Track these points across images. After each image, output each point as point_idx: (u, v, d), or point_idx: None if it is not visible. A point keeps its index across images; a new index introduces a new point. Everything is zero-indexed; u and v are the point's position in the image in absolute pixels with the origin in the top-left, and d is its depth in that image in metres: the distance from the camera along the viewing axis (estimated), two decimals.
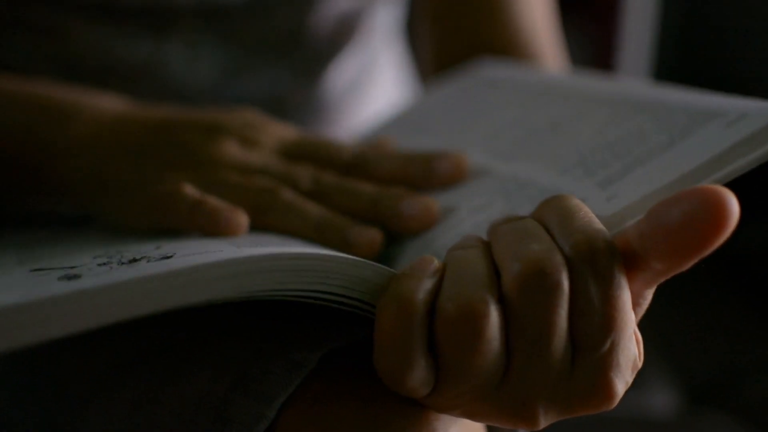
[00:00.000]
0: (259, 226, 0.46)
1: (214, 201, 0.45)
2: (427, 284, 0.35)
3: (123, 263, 0.38)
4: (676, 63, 1.68)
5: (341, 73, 0.73)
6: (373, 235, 0.45)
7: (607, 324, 0.35)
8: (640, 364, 0.37)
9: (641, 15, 1.58)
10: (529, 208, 0.43)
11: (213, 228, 0.44)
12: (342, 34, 0.71)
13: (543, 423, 0.37)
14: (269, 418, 0.38)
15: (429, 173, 0.50)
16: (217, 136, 0.50)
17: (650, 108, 0.46)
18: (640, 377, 0.40)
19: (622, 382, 0.36)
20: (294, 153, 0.51)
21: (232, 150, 0.50)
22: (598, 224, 0.36)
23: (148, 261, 0.37)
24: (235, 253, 0.36)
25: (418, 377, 0.35)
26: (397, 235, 0.47)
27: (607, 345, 0.35)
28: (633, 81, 0.53)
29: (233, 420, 0.39)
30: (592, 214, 0.37)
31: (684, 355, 1.25)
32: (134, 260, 0.38)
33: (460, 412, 0.37)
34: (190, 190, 0.46)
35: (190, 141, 0.50)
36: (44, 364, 0.50)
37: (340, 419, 0.38)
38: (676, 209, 0.34)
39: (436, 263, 0.37)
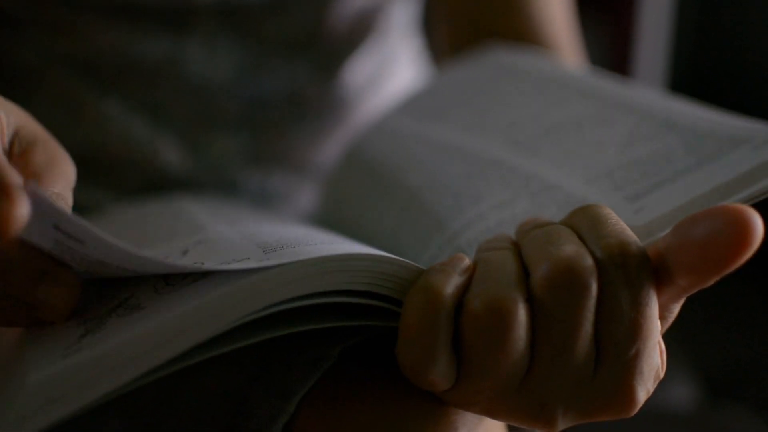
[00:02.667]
0: None
1: None
2: (457, 280, 0.36)
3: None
4: (692, 57, 1.67)
5: (359, 69, 0.73)
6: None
7: (634, 331, 0.35)
8: (662, 375, 0.37)
9: (658, 10, 1.58)
10: (554, 210, 0.43)
11: None
12: (359, 31, 0.71)
13: (560, 426, 0.37)
14: (288, 412, 0.39)
15: None
16: None
17: (676, 128, 0.46)
18: None
19: (643, 390, 0.36)
20: None
21: None
22: (631, 232, 0.36)
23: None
24: (264, 262, 0.35)
25: (440, 370, 0.35)
26: (413, 236, 0.47)
27: (632, 352, 0.35)
28: (650, 90, 0.53)
29: (253, 414, 0.40)
30: (624, 223, 0.37)
31: (703, 348, 1.24)
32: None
33: (479, 409, 0.37)
34: None
35: None
36: None
37: (360, 414, 0.38)
38: (701, 226, 0.34)
39: (467, 262, 0.37)
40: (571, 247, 0.35)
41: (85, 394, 0.33)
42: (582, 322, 0.34)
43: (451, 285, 0.35)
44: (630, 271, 0.35)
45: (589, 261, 0.34)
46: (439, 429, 0.38)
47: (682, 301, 0.38)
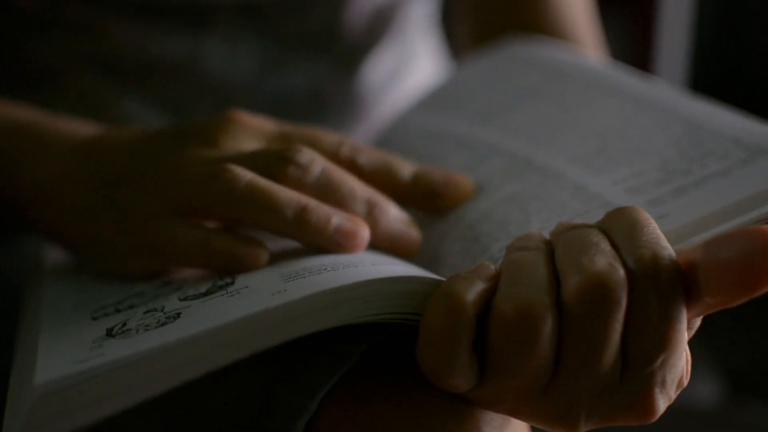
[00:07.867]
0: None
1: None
2: (480, 287, 0.36)
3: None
4: (713, 53, 1.66)
5: (378, 66, 0.73)
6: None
7: (662, 342, 0.35)
8: (685, 383, 0.37)
9: (678, 7, 1.57)
10: (577, 208, 0.42)
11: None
12: (378, 28, 0.71)
13: (582, 429, 0.37)
14: (311, 410, 0.39)
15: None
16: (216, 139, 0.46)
17: (700, 129, 0.45)
18: None
19: (665, 399, 0.36)
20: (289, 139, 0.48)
21: (229, 144, 0.46)
22: (665, 242, 0.36)
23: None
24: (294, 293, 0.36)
25: (460, 375, 0.35)
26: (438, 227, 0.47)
27: (659, 363, 0.35)
28: (670, 87, 0.53)
29: (276, 412, 0.40)
30: (659, 231, 0.36)
31: (726, 345, 1.24)
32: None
33: (504, 408, 0.37)
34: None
35: (187, 153, 0.45)
36: None
37: (383, 412, 0.38)
38: (732, 247, 0.34)
39: (492, 269, 0.37)
40: (602, 259, 0.35)
41: (101, 409, 0.34)
42: (611, 334, 0.34)
43: (473, 292, 0.35)
44: (662, 284, 0.34)
45: (620, 274, 0.34)
46: (463, 428, 0.38)
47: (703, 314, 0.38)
